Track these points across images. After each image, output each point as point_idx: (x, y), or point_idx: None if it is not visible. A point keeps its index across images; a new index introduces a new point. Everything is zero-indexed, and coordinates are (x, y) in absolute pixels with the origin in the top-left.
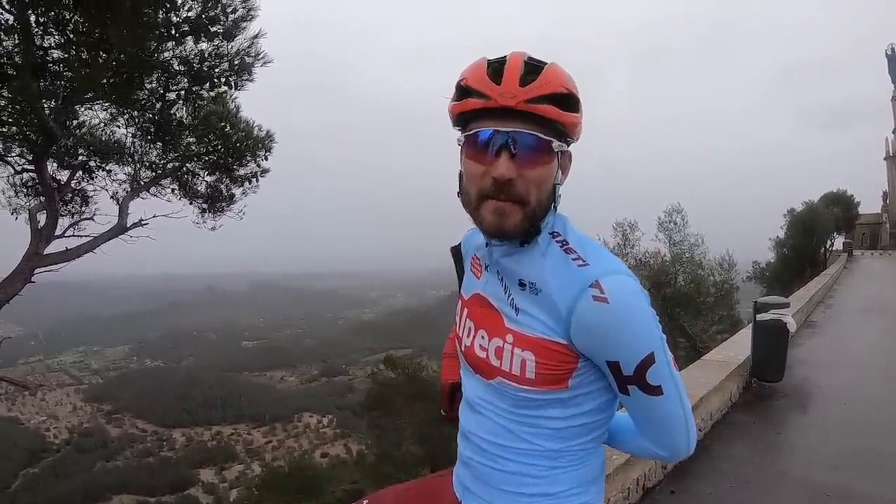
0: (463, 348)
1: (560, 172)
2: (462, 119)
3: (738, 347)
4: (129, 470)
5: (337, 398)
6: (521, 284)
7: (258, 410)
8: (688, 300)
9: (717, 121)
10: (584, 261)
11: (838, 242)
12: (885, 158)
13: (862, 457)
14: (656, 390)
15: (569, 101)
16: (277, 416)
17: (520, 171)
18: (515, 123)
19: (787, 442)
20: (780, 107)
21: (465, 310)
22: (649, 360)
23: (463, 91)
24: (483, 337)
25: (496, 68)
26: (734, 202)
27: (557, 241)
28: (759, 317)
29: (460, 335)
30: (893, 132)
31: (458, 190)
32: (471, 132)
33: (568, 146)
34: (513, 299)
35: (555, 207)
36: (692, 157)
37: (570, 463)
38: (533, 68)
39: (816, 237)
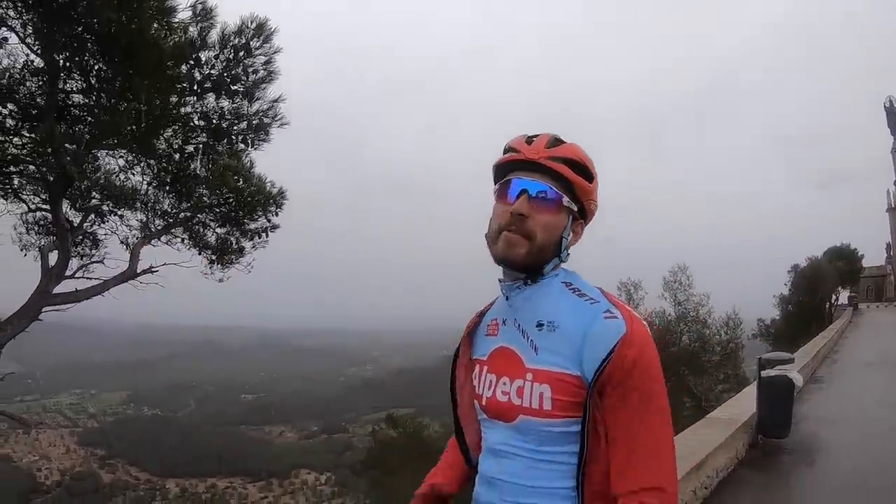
0: (484, 402)
1: (571, 233)
2: (500, 172)
3: (744, 404)
4: None
5: (336, 455)
6: (539, 325)
7: (255, 465)
8: (693, 359)
9: (715, 187)
10: (594, 300)
11: (843, 296)
12: (887, 210)
13: None
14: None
15: (582, 170)
16: (274, 471)
17: (531, 212)
18: (536, 176)
19: (795, 499)
20: (776, 171)
21: (484, 367)
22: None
23: (505, 150)
24: (505, 383)
25: (531, 137)
26: (737, 262)
27: (570, 289)
28: (765, 373)
29: (479, 393)
30: (895, 184)
31: (486, 231)
32: (505, 180)
33: (578, 210)
34: (532, 341)
35: (560, 258)
36: (692, 222)
37: None
38: (559, 141)
39: (821, 292)
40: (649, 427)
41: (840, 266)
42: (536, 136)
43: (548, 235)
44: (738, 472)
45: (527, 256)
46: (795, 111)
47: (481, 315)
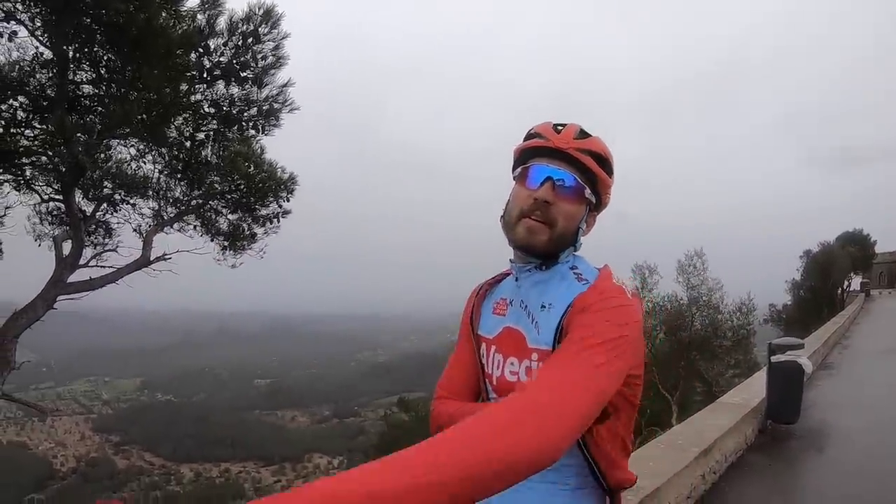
0: (495, 382)
1: (584, 223)
2: (524, 156)
3: (754, 389)
4: (136, 503)
5: (348, 440)
6: (543, 307)
7: (268, 449)
8: (704, 343)
9: (726, 169)
10: (587, 281)
11: (856, 282)
12: None
13: (881, 501)
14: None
15: (605, 164)
16: (287, 455)
17: (556, 200)
18: (562, 164)
19: (803, 484)
20: (786, 152)
21: (492, 347)
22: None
23: (530, 135)
24: (513, 363)
25: (558, 126)
26: (748, 246)
27: (574, 273)
28: (774, 358)
29: (489, 372)
30: None
31: (501, 214)
32: (528, 165)
33: (595, 203)
34: (536, 322)
35: (575, 247)
36: (704, 203)
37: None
38: (585, 133)
39: (833, 278)
40: (576, 356)
41: (853, 252)
42: (564, 124)
43: (568, 224)
44: (747, 457)
45: (547, 244)
46: (808, 91)
47: (491, 285)
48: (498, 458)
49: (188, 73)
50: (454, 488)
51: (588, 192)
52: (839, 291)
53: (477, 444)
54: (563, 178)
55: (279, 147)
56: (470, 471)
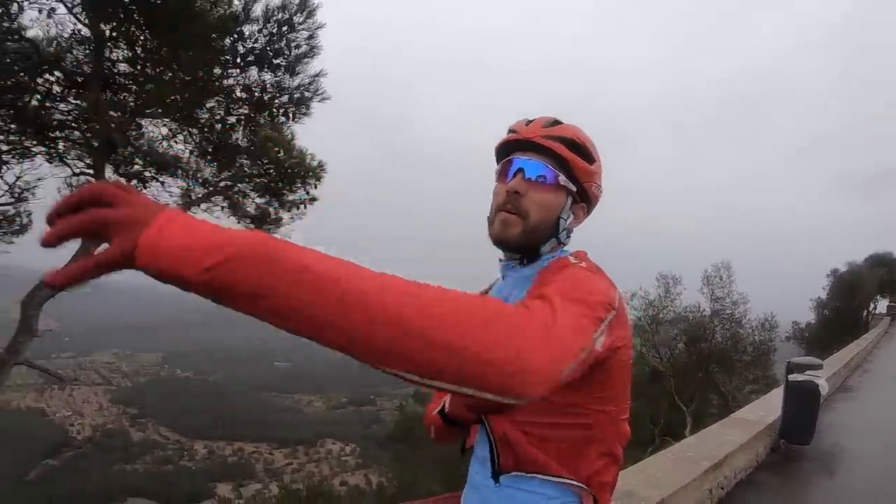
0: None
1: (570, 214)
2: (501, 152)
3: (770, 407)
4: (147, 475)
5: (362, 427)
6: None
7: (282, 431)
8: (724, 357)
9: (755, 186)
10: None
11: (882, 305)
12: None
13: None
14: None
15: (580, 149)
16: (301, 439)
17: (527, 190)
18: (534, 155)
19: None
20: (821, 172)
21: None
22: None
23: (506, 132)
24: None
25: (531, 119)
26: (776, 261)
27: None
28: (792, 377)
29: None
30: None
31: (487, 215)
32: (504, 160)
33: (578, 192)
34: None
35: (558, 239)
36: (732, 219)
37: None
38: (557, 122)
39: (859, 299)
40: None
41: (881, 274)
42: (535, 118)
43: (543, 214)
44: (757, 475)
45: (521, 236)
46: (840, 111)
47: (492, 286)
48: (450, 328)
49: (222, 58)
50: (377, 317)
51: (563, 178)
52: (864, 313)
53: (439, 306)
54: (533, 168)
55: (311, 133)
56: (403, 318)
